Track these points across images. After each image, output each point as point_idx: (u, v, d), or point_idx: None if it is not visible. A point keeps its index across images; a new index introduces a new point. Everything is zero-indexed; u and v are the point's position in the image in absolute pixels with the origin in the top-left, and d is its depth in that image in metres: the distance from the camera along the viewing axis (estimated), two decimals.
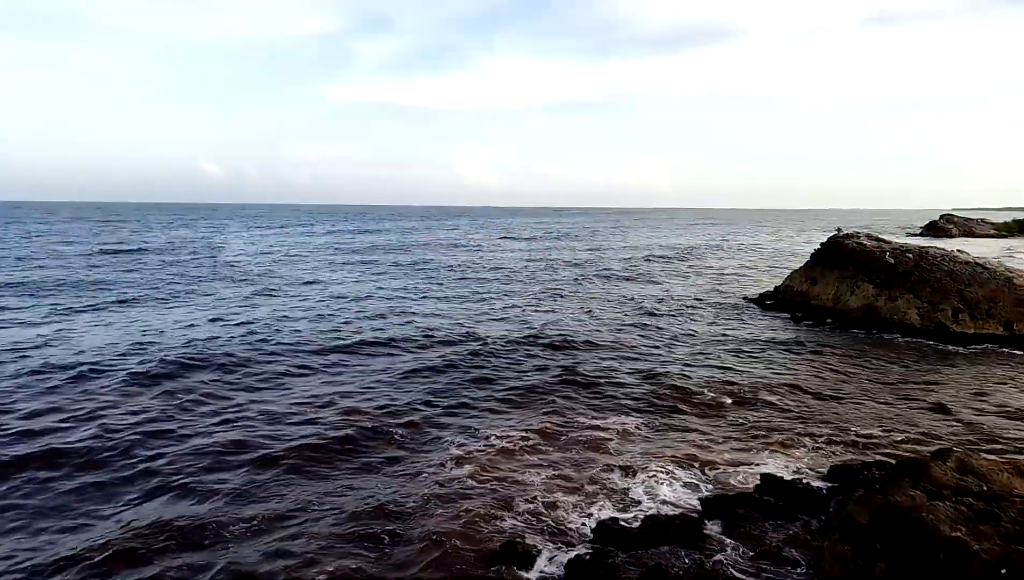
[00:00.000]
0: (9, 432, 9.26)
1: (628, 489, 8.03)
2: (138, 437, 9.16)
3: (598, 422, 10.31)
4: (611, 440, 9.58)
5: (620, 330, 17.46)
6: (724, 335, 17.09)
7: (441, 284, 26.31)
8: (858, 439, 9.71)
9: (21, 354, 13.38)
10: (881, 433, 9.94)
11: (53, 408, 10.25)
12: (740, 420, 10.47)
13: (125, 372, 12.15)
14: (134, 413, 10.09)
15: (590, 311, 20.16)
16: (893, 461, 7.85)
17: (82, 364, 12.60)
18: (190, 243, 47.46)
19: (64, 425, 9.54)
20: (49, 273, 27.24)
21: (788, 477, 8.13)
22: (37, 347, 14.05)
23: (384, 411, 10.55)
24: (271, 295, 22.52)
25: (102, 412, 10.11)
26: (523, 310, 20.14)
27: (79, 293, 21.85)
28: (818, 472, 8.41)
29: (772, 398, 11.72)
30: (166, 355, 13.27)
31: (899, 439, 9.70)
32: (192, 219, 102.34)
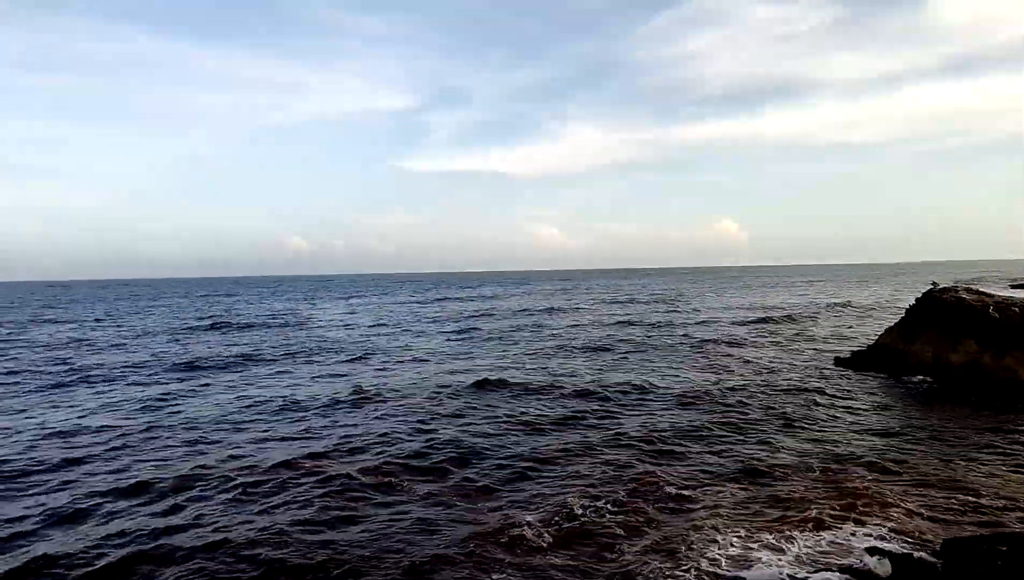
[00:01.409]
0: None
1: (722, 558, 7.91)
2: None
3: (684, 491, 10.16)
4: (698, 507, 9.48)
5: (720, 391, 17.24)
6: (820, 395, 16.62)
7: (532, 353, 26.63)
8: (969, 510, 9.16)
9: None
10: (995, 504, 9.38)
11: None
12: (841, 485, 10.12)
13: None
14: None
15: (674, 371, 19.99)
16: (1010, 534, 7.43)
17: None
18: (286, 314, 49.86)
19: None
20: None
21: (897, 550, 7.81)
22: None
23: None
24: (368, 359, 23.58)
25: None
26: (631, 371, 20.20)
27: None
28: (929, 545, 8.01)
29: (874, 462, 11.28)
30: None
31: (1019, 515, 9.10)
32: (284, 291, 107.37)
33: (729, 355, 24.18)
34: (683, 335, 30.38)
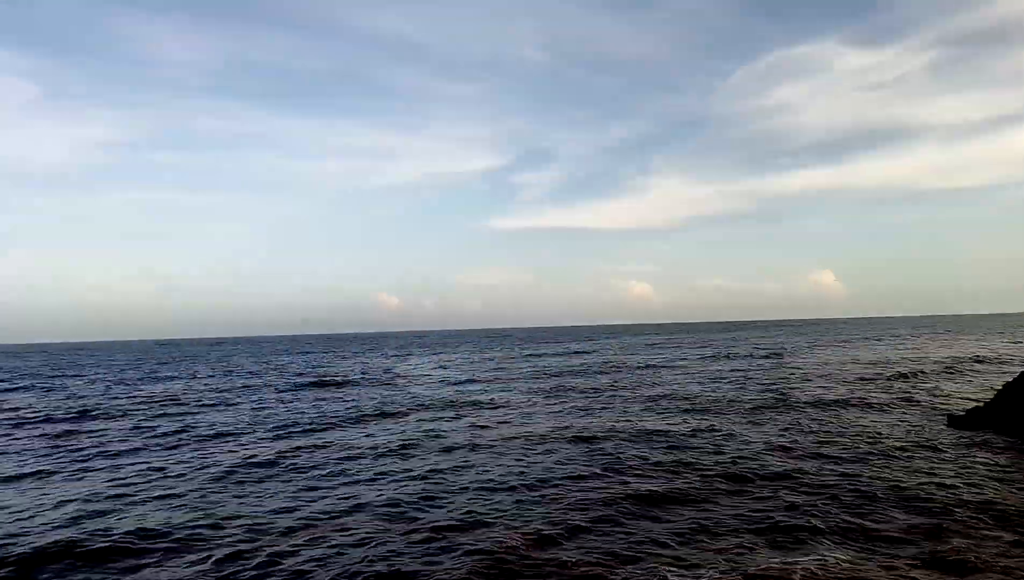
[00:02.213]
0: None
1: None
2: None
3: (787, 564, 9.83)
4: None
5: (816, 460, 16.82)
6: (935, 462, 15.90)
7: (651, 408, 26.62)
8: None
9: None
10: None
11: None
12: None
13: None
14: None
15: (770, 434, 19.56)
16: None
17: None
18: (384, 370, 51.66)
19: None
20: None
21: None
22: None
23: None
24: (463, 411, 24.20)
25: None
26: (727, 427, 19.96)
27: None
28: None
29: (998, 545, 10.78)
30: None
31: None
32: (379, 347, 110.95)
33: (830, 414, 23.39)
34: (782, 393, 29.54)
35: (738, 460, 16.44)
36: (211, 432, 22.81)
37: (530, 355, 71.19)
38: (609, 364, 52.40)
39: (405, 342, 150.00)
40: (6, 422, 26.88)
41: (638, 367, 48.73)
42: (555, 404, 28.02)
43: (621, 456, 17.20)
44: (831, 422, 21.91)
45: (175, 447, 20.15)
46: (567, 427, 21.66)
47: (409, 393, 34.06)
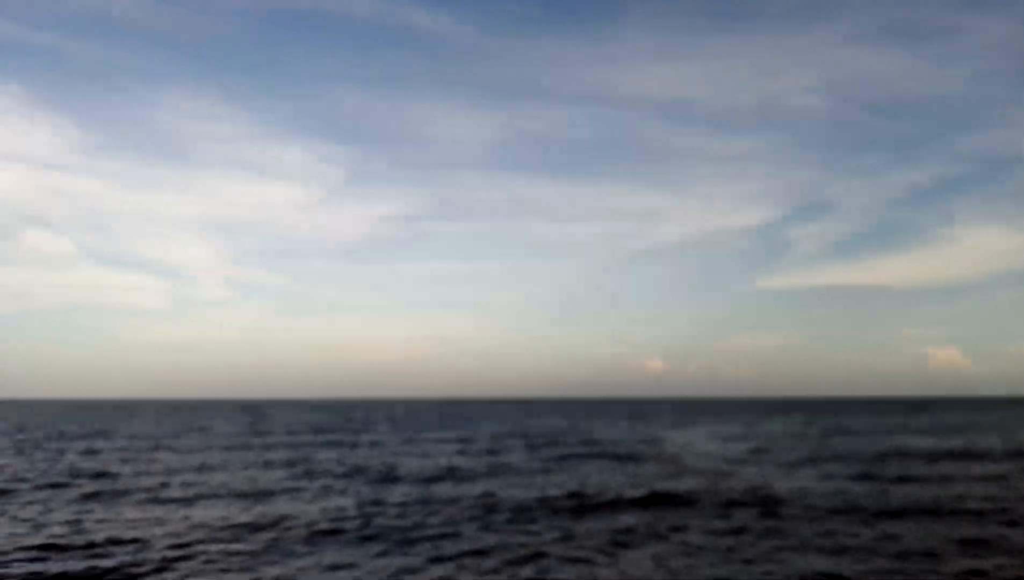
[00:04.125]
0: None
1: None
2: None
3: None
4: None
5: None
6: None
7: None
8: None
9: None
10: None
11: None
12: None
13: None
14: None
15: None
16: None
17: None
18: (653, 441, 47.38)
19: None
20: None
21: None
22: None
23: None
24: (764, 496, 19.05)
25: None
26: None
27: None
28: None
29: None
30: None
31: None
32: (642, 415, 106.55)
33: None
34: None
35: None
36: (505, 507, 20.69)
37: (831, 432, 61.52)
38: (934, 444, 42.15)
39: (672, 409, 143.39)
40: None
41: (983, 454, 38.24)
42: (874, 493, 21.43)
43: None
44: None
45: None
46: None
47: (688, 467, 29.34)
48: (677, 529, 17.09)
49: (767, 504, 20.70)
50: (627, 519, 18.41)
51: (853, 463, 33.03)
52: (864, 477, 27.45)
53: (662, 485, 24.62)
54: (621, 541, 15.75)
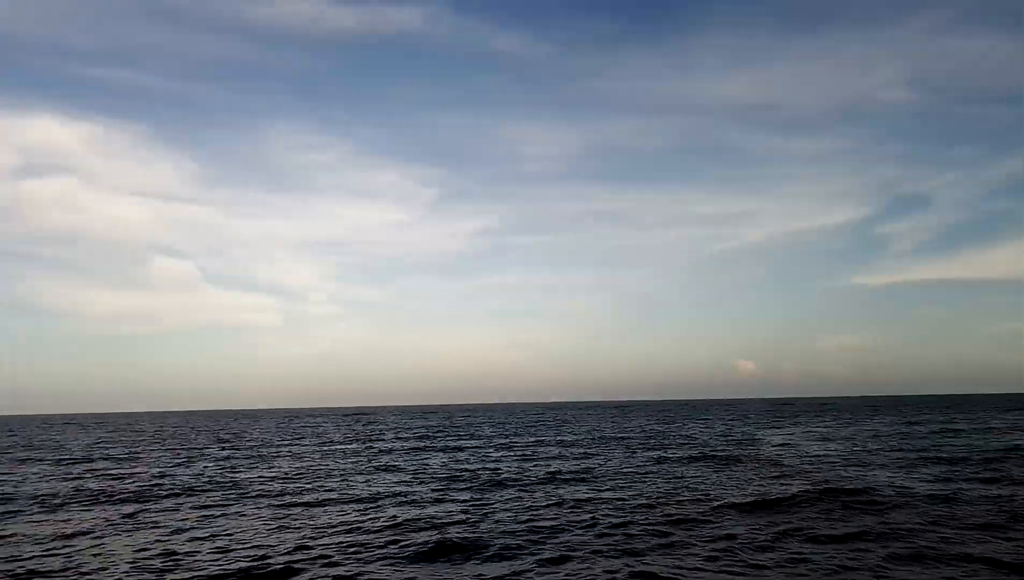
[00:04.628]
0: None
1: None
2: None
3: None
4: None
5: None
6: None
7: None
8: None
9: None
10: None
11: None
12: None
13: None
14: None
15: None
16: None
17: None
18: (752, 441, 46.49)
19: None
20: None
21: None
22: None
23: None
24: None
25: None
26: None
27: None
28: None
29: None
30: None
31: None
32: (738, 415, 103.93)
33: None
34: None
35: None
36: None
37: (941, 432, 58.35)
38: None
39: (766, 409, 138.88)
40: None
41: None
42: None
43: None
44: None
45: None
46: None
47: (792, 469, 28.78)
48: (785, 535, 17.07)
49: (879, 507, 20.26)
50: (732, 525, 18.54)
51: (967, 464, 31.40)
52: (982, 478, 26.21)
53: (766, 488, 24.42)
54: (726, 548, 15.87)
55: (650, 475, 29.70)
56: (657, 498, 22.91)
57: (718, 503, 21.62)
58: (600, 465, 34.47)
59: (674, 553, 15.57)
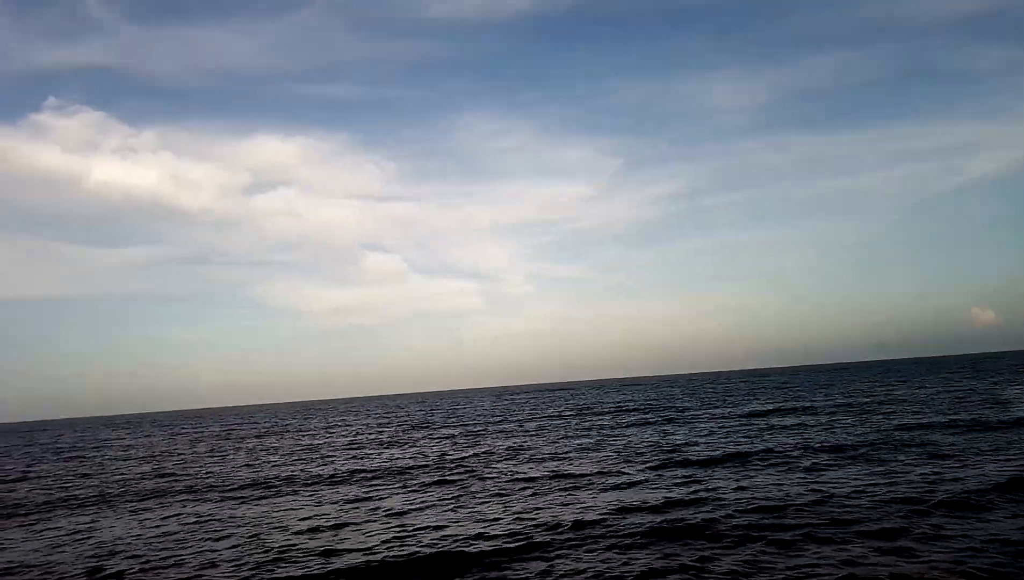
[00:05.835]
0: None
1: None
2: None
3: None
4: None
5: None
6: None
7: None
8: None
9: None
10: None
11: None
12: None
13: None
14: None
15: None
16: None
17: None
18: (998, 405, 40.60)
19: None
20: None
21: None
22: None
23: None
24: None
25: None
26: None
27: None
28: None
29: None
30: None
31: None
32: (979, 371, 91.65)
33: None
34: None
35: None
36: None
37: None
38: None
39: (1013, 365, 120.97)
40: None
41: None
42: None
43: None
44: None
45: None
46: None
47: None
48: None
49: None
50: (1000, 518, 15.07)
51: None
52: None
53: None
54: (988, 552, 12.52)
55: (892, 450, 26.85)
56: (895, 484, 19.20)
57: (979, 484, 19.05)
58: (829, 440, 31.90)
59: (907, 557, 12.76)
